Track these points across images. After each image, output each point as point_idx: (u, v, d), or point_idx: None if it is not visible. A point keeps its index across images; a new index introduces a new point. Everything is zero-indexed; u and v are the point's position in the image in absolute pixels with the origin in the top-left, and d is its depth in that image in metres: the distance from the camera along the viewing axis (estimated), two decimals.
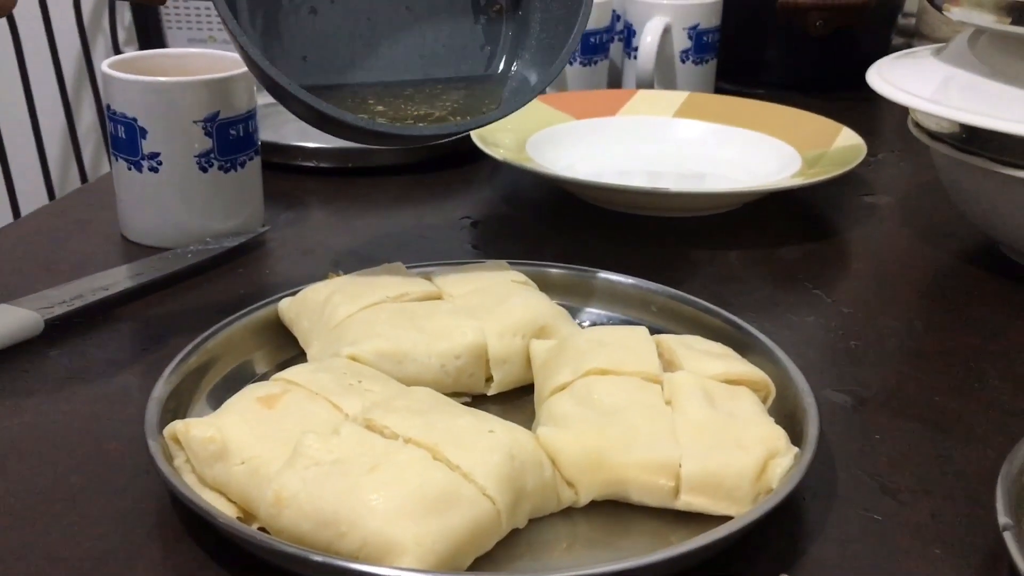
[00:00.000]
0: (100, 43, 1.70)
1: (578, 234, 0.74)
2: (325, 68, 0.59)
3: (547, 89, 0.74)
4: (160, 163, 0.66)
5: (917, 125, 0.70)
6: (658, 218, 0.76)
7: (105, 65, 0.67)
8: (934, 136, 0.68)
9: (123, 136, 0.66)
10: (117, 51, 1.61)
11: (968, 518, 0.44)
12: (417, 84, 0.60)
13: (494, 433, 0.42)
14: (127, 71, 0.66)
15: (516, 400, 0.52)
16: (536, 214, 0.78)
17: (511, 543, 0.42)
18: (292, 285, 0.57)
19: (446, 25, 0.61)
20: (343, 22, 0.59)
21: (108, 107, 0.67)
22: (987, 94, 0.63)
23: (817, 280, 0.68)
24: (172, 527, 0.43)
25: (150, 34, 1.67)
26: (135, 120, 0.65)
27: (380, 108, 0.56)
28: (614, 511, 0.44)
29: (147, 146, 0.66)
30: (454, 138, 0.58)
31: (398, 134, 0.55)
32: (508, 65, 0.62)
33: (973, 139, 0.64)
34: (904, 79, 0.67)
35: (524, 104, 0.56)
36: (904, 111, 0.72)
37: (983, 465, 0.48)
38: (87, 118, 1.69)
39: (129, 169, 0.67)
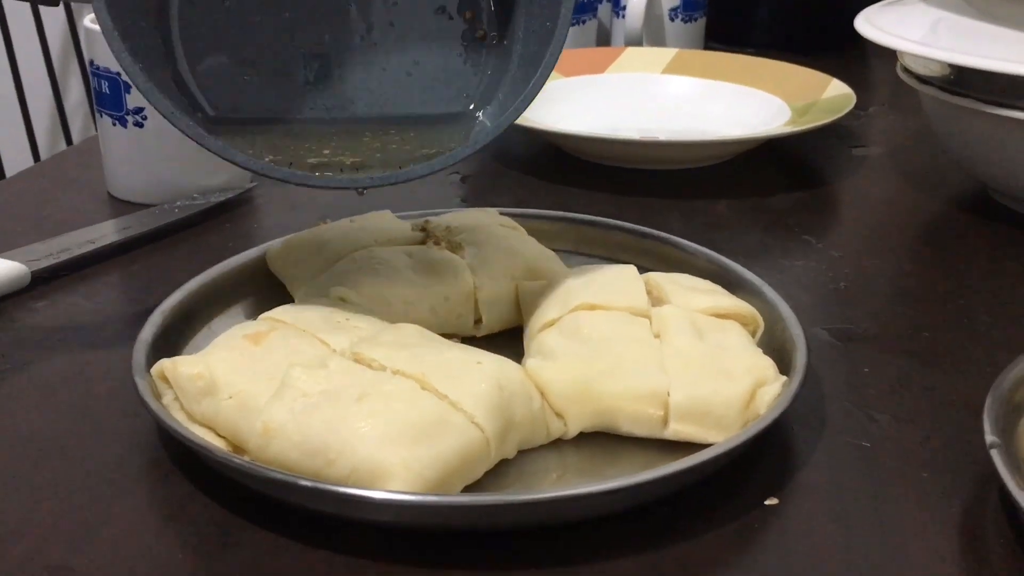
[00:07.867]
0: (87, 8, 1.68)
1: (568, 188, 0.74)
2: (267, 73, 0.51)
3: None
4: (145, 118, 0.66)
5: (906, 70, 0.70)
6: (648, 171, 0.76)
7: (88, 20, 0.66)
8: (923, 80, 0.67)
9: (107, 92, 0.66)
10: None
11: (956, 443, 0.44)
12: (381, 124, 0.53)
13: (482, 364, 0.42)
14: None
15: (505, 343, 0.52)
16: (526, 169, 0.78)
17: (501, 473, 0.42)
18: (279, 237, 0.56)
19: (421, 49, 0.53)
20: (292, 27, 0.51)
21: (91, 63, 0.66)
22: (975, 35, 0.63)
23: (807, 227, 0.68)
24: (161, 464, 0.42)
25: None
26: (119, 75, 0.65)
27: (351, 161, 0.50)
28: (604, 443, 0.44)
29: (131, 101, 0.65)
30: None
31: (346, 187, 0.50)
32: (480, 104, 0.53)
33: (962, 80, 0.64)
34: (893, 24, 0.67)
35: (489, 139, 0.49)
36: (893, 66, 0.72)
37: (971, 395, 0.48)
38: (74, 91, 1.68)
39: (114, 125, 0.66)
